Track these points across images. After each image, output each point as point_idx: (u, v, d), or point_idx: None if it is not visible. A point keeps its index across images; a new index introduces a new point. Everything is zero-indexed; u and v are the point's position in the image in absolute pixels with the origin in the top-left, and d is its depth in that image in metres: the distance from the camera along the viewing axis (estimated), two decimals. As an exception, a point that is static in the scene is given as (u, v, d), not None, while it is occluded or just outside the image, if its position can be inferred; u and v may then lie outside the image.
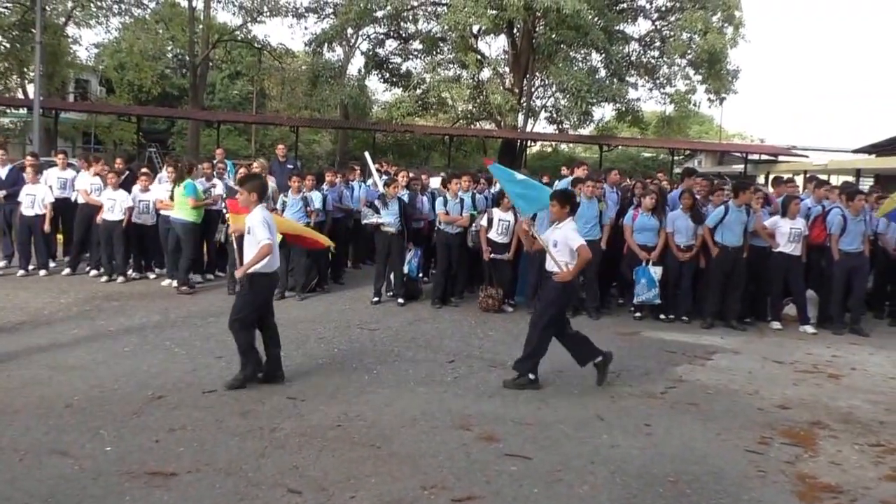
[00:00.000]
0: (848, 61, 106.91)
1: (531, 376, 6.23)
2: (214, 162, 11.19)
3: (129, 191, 10.20)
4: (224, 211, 9.49)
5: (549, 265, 6.36)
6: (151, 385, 5.78)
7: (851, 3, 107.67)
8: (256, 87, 37.17)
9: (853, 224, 9.08)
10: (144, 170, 10.65)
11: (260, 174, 6.04)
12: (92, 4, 27.34)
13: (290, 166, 12.19)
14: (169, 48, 34.53)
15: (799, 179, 15.87)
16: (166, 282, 10.02)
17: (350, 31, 27.91)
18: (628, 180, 11.29)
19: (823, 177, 21.29)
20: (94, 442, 4.64)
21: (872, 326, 9.40)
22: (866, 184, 22.50)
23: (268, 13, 28.95)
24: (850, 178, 22.08)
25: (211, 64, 33.76)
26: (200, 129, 30.87)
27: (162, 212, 9.98)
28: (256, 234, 5.79)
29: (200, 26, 29.99)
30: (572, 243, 6.19)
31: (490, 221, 9.27)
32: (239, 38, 31.82)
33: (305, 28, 28.85)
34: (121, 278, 10.10)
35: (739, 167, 29.83)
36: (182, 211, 9.56)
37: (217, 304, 8.93)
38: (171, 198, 9.74)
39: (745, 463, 4.83)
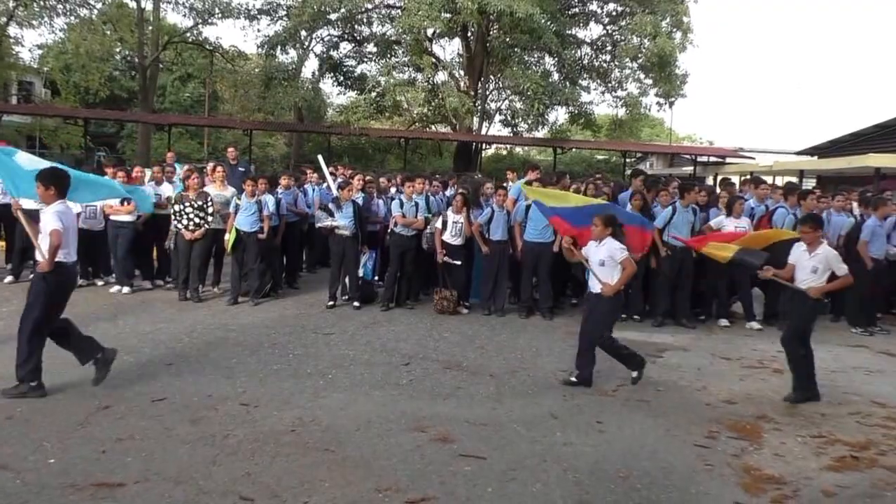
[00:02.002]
0: (791, 67, 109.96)
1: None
2: (164, 165, 11.00)
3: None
4: (174, 217, 9.37)
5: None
6: (98, 394, 5.65)
7: (794, 12, 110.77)
8: (208, 90, 36.57)
9: None
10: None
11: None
12: (35, 4, 26.59)
13: (241, 169, 12.06)
14: (117, 50, 33.65)
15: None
16: (115, 288, 9.79)
17: (303, 33, 27.60)
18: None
19: (769, 178, 21.95)
20: (37, 454, 4.51)
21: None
22: (809, 184, 23.17)
23: (219, 15, 28.51)
24: (794, 179, 22.65)
25: (161, 66, 33.10)
26: (151, 133, 30.27)
27: (111, 217, 9.75)
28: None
29: (150, 28, 29.41)
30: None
31: (444, 224, 9.31)
32: (190, 39, 31.29)
33: (258, 30, 28.41)
34: (67, 285, 9.82)
35: (689, 169, 30.38)
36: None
37: (166, 312, 8.77)
38: (122, 202, 9.56)
39: (694, 457, 4.94)
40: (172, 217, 9.43)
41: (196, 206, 9.30)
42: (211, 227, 9.45)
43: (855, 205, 10.50)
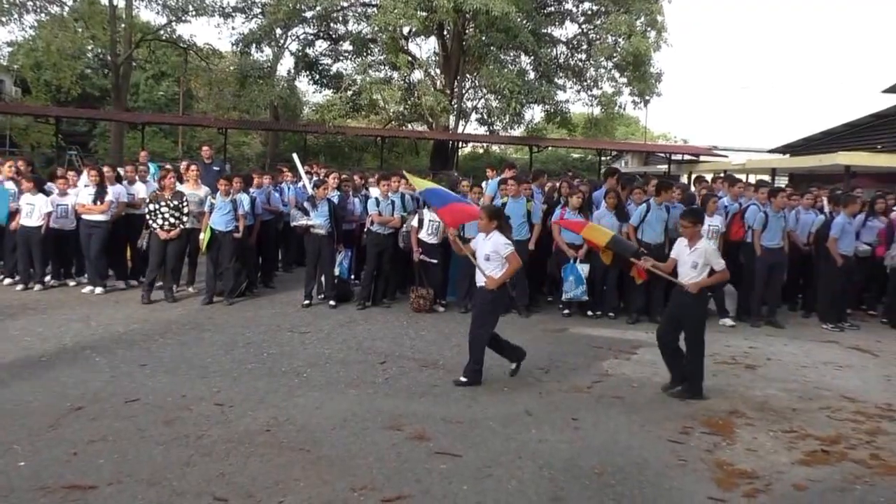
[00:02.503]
0: (763, 66, 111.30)
1: None
2: (137, 165, 10.88)
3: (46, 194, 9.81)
4: (148, 216, 9.27)
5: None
6: (70, 396, 5.58)
7: (768, 12, 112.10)
8: (182, 88, 36.22)
9: (774, 220, 9.40)
10: (61, 172, 10.27)
11: None
12: (4, 1, 26.13)
13: (215, 168, 11.95)
14: (89, 47, 33.17)
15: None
16: (87, 289, 9.67)
17: (279, 31, 27.46)
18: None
19: (742, 176, 22.20)
20: (7, 457, 4.44)
21: (787, 318, 9.81)
22: (782, 182, 23.46)
23: (193, 12, 28.22)
24: (767, 177, 22.93)
25: (134, 64, 32.71)
26: (124, 132, 29.91)
27: (83, 216, 9.62)
28: None
29: (122, 25, 29.03)
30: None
31: (420, 222, 9.30)
32: (163, 37, 30.96)
33: (233, 28, 28.24)
34: (38, 286, 9.69)
35: (664, 167, 30.64)
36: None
37: (140, 312, 8.69)
38: (96, 201, 9.45)
39: (668, 453, 4.99)
40: (147, 216, 9.33)
41: (172, 205, 9.21)
42: (186, 226, 9.37)
43: (825, 202, 10.64)
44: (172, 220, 9.22)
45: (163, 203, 9.21)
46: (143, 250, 9.91)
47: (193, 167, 10.36)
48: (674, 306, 6.47)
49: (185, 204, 9.32)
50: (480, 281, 6.44)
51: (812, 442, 5.32)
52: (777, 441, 5.33)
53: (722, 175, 12.51)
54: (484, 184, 10.72)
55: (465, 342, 7.77)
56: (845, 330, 9.39)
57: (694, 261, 6.28)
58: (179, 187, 9.68)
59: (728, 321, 9.34)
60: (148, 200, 9.43)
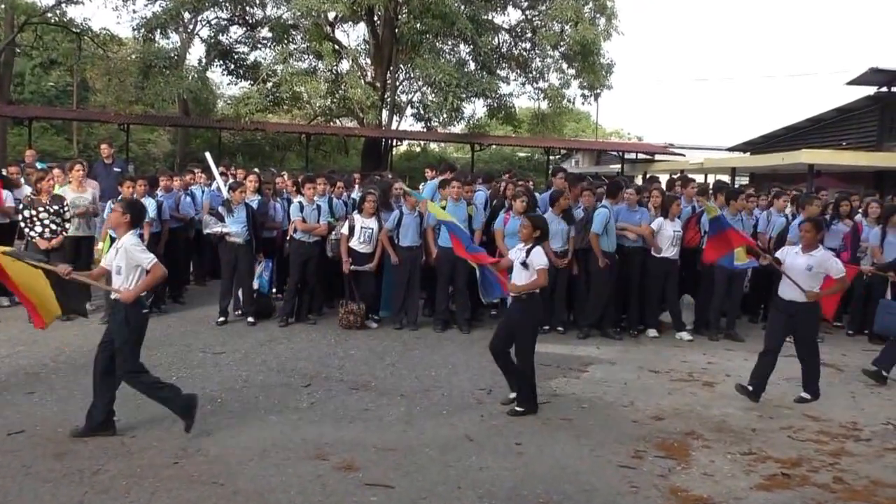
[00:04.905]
0: (720, 57, 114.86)
1: None
2: (23, 165, 10.60)
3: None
4: (24, 224, 9.01)
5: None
6: (-57, 430, 5.41)
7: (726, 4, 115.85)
8: (76, 78, 35.33)
9: (732, 224, 9.64)
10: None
11: None
12: None
13: (116, 169, 11.73)
14: (-35, 31, 32.17)
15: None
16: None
17: (187, 15, 27.07)
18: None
19: (699, 176, 22.85)
20: None
21: (747, 331, 10.10)
22: (743, 181, 24.23)
23: (87, -8, 27.61)
24: (726, 177, 23.68)
25: (18, 50, 31.77)
26: (8, 127, 29.00)
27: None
28: None
29: (1, 5, 28.15)
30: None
31: (351, 229, 9.29)
32: (52, 20, 30.13)
33: (133, 11, 27.48)
34: None
35: (617, 167, 31.29)
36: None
37: (26, 333, 8.45)
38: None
39: (618, 479, 5.12)
40: (22, 224, 9.06)
41: (51, 210, 8.99)
42: (69, 234, 9.16)
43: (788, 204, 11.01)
44: (53, 226, 9.00)
45: (41, 208, 8.97)
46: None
47: (78, 167, 10.08)
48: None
49: (66, 209, 9.11)
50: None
51: (772, 465, 5.51)
52: (735, 464, 5.51)
53: (677, 175, 12.87)
54: (422, 185, 10.77)
55: (400, 362, 7.89)
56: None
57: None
58: (59, 190, 9.46)
59: (685, 335, 9.54)
60: (22, 206, 9.14)
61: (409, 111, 30.77)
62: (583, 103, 29.30)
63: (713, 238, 8.36)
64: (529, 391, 6.45)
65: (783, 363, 8.56)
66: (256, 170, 12.62)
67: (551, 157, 33.45)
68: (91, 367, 7.00)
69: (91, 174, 10.81)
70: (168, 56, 26.02)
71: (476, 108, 29.33)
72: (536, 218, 6.87)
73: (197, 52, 30.20)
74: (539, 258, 6.44)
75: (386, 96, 26.82)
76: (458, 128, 28.85)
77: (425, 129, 30.65)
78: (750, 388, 6.96)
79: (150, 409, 6.03)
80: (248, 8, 28.25)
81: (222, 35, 29.38)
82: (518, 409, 6.37)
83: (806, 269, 6.83)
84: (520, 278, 6.47)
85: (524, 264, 6.45)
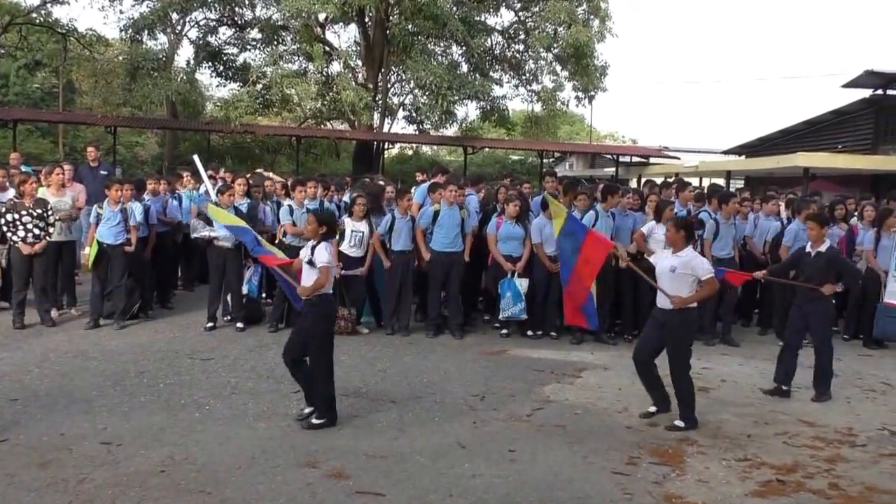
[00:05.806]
0: (715, 59, 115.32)
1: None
2: (8, 168, 10.56)
3: None
4: (6, 229, 8.97)
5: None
6: (-76, 438, 5.39)
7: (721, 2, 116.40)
8: (62, 80, 35.23)
9: (725, 228, 9.69)
10: None
11: None
12: None
13: (103, 172, 11.70)
14: (-53, 32, 32.06)
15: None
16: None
17: (175, 15, 26.99)
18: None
19: (695, 179, 22.93)
20: None
21: (742, 335, 10.14)
22: (738, 184, 24.34)
23: (72, -8, 27.58)
24: (721, 180, 23.75)
25: (2, 51, 31.69)
26: (-9, 130, 28.93)
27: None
28: None
29: (-15, 5, 28.10)
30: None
31: (342, 233, 9.28)
32: (37, 20, 30.04)
33: (121, 12, 27.39)
34: None
35: (611, 170, 31.36)
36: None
37: (13, 337, 8.44)
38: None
39: (612, 486, 5.12)
40: (4, 229, 9.03)
41: (35, 214, 8.96)
42: (53, 238, 9.14)
43: (783, 207, 11.06)
44: (37, 230, 8.97)
45: (24, 212, 8.94)
46: (3, 268, 9.56)
47: (59, 170, 10.05)
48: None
49: (49, 213, 9.09)
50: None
51: (767, 471, 5.52)
52: (730, 470, 5.52)
53: (673, 179, 12.91)
54: (413, 189, 10.77)
55: (391, 368, 7.89)
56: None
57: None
58: (41, 193, 9.43)
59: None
60: (4, 210, 9.11)
61: (401, 114, 30.76)
62: (577, 106, 29.28)
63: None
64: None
65: (773, 367, 8.56)
66: (248, 175, 12.59)
67: (545, 161, 33.46)
68: (75, 375, 7.06)
69: (77, 177, 10.79)
70: (156, 57, 25.94)
71: (469, 111, 29.39)
72: (323, 214, 6.67)
73: (185, 53, 30.23)
74: (322, 255, 6.15)
75: (377, 98, 26.81)
76: (450, 130, 28.85)
77: (417, 132, 30.64)
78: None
79: (137, 418, 6.03)
80: (237, 9, 28.19)
81: (211, 36, 29.31)
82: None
83: (669, 270, 6.50)
84: (308, 279, 6.22)
85: (310, 262, 6.24)
